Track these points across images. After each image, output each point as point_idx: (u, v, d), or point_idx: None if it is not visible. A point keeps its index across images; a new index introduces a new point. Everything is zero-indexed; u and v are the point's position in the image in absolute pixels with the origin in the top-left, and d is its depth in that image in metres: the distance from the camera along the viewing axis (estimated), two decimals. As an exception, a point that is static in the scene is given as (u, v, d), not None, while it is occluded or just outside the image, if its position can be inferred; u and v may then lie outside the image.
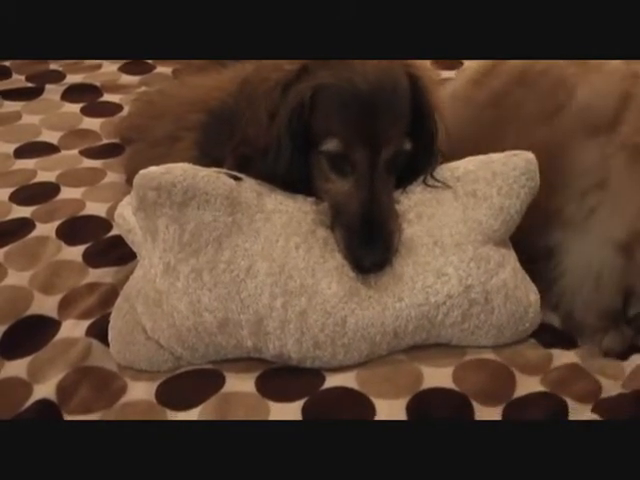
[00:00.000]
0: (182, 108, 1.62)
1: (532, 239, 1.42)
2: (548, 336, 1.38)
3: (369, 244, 1.26)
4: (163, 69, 2.20)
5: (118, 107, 2.00)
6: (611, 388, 1.28)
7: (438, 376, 1.27)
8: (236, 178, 1.30)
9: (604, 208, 1.37)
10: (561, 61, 1.49)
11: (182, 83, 1.83)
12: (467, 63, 1.50)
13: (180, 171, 1.25)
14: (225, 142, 1.40)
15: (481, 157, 1.38)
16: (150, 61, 2.24)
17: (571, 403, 1.24)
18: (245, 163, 1.36)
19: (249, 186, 1.31)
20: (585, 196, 1.39)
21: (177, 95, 1.71)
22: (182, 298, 1.24)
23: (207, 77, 1.66)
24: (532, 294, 1.36)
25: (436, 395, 1.24)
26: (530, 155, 1.35)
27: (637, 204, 1.35)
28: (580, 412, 1.23)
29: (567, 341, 1.39)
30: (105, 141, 1.87)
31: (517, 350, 1.34)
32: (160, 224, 1.25)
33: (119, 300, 1.33)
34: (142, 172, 1.25)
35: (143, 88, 2.09)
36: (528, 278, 1.37)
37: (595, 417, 1.21)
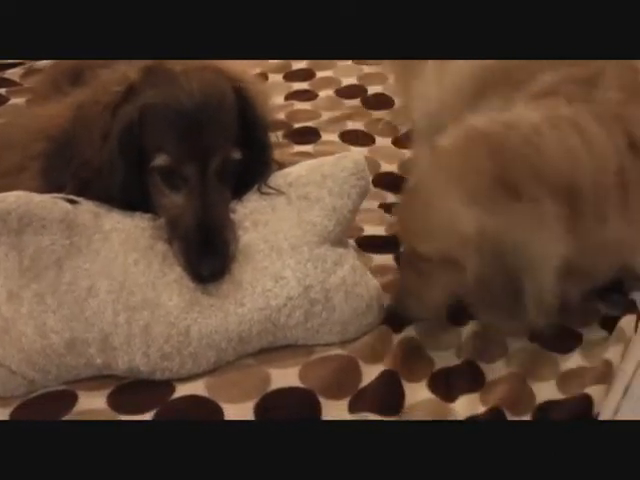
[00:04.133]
0: (27, 138, 1.62)
1: None
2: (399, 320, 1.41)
3: (206, 254, 1.30)
4: (17, 100, 2.19)
5: (-30, 141, 1.98)
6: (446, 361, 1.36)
7: (285, 376, 1.31)
8: (72, 201, 1.33)
9: None
10: None
11: (27, 113, 1.84)
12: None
13: (14, 198, 1.27)
14: (67, 168, 1.43)
15: (312, 161, 1.44)
16: (4, 92, 2.24)
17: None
18: (85, 186, 1.39)
19: (86, 208, 1.34)
20: None
21: (22, 125, 1.70)
22: (28, 322, 1.25)
23: (49, 106, 1.67)
24: (373, 289, 1.41)
25: (283, 394, 1.28)
26: (359, 156, 1.41)
27: None
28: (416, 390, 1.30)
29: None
30: (-42, 176, 1.85)
31: (364, 341, 1.38)
32: (-1, 252, 1.27)
33: (-32, 330, 1.33)
34: (-23, 203, 1.26)
35: None
36: (369, 274, 1.42)
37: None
